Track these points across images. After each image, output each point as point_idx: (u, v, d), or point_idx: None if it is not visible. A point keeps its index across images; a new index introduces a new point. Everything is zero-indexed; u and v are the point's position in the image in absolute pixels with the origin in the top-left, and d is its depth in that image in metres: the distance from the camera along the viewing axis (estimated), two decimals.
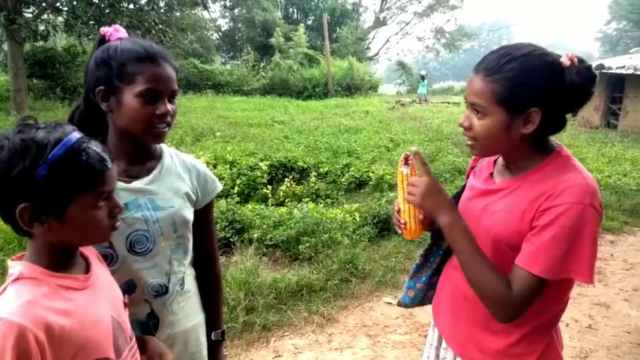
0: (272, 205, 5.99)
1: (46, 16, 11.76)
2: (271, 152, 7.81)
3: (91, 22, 11.96)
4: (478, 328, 1.29)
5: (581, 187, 1.09)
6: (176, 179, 1.34)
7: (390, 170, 7.58)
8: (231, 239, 4.18)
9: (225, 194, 6.03)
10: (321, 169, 7.34)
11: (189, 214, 1.34)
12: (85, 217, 0.93)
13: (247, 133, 10.01)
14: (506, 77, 1.10)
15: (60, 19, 11.70)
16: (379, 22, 32.98)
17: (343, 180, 7.08)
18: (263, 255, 4.06)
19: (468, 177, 1.47)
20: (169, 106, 1.22)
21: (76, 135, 0.92)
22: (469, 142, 1.23)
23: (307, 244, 4.10)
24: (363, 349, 3.07)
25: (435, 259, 1.53)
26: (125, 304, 1.12)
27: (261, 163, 7.09)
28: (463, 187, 1.44)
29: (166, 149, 1.39)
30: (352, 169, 7.36)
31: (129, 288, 1.25)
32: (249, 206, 5.01)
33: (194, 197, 1.37)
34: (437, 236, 1.50)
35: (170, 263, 1.31)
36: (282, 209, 4.96)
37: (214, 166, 6.94)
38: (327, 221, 4.49)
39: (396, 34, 34.73)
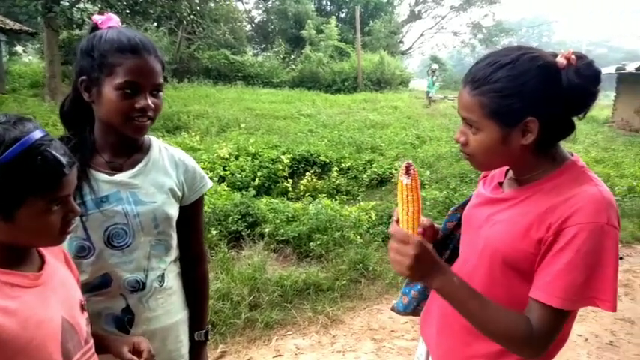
0: (291, 199, 5.95)
1: (81, 4, 12.02)
2: (294, 146, 7.77)
3: (126, 12, 12.18)
4: (458, 343, 1.20)
5: (595, 203, 0.97)
6: (161, 174, 1.30)
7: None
8: (242, 233, 4.15)
9: (244, 187, 6.04)
10: (344, 165, 7.25)
11: (173, 211, 1.31)
12: (36, 221, 0.89)
13: (272, 125, 10.00)
14: (494, 88, 1.01)
15: (95, 7, 11.94)
16: (414, 16, 32.39)
17: (365, 176, 6.98)
18: (273, 251, 4.02)
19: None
20: (150, 100, 1.19)
21: (36, 135, 0.87)
22: (466, 157, 1.13)
23: (318, 242, 4.03)
24: (366, 354, 2.98)
25: None
26: (82, 307, 1.07)
27: (282, 157, 7.06)
28: (470, 198, 1.33)
29: (155, 143, 1.36)
30: (375, 165, 7.24)
31: (105, 282, 1.23)
32: (264, 200, 4.98)
33: (179, 193, 1.33)
34: (438, 246, 1.40)
35: (149, 259, 1.28)
36: (297, 204, 4.90)
37: (236, 158, 6.94)
38: (341, 219, 4.41)
39: (431, 28, 34.05)
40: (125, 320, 1.26)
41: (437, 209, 5.22)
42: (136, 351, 1.11)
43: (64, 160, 0.89)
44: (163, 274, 1.32)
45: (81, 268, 1.20)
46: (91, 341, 1.06)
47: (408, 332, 3.22)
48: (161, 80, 1.22)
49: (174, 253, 1.36)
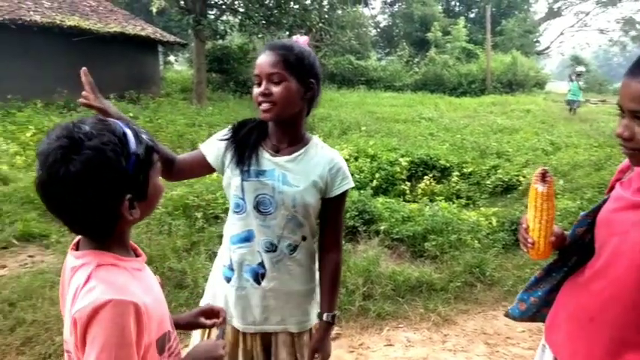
0: (408, 201, 5.97)
1: (224, 17, 13.36)
2: (414, 149, 7.74)
3: (262, 22, 13.25)
4: (604, 354, 1.15)
5: None
6: (311, 166, 1.52)
7: None
8: (358, 228, 4.32)
9: (362, 187, 6.21)
10: (465, 170, 7.03)
11: (310, 198, 1.50)
12: (157, 186, 1.03)
13: (392, 128, 10.07)
14: None
15: (235, 19, 13.17)
16: (552, 13, 29.97)
17: (488, 182, 6.69)
18: (387, 247, 4.12)
19: (610, 190, 1.31)
20: (263, 87, 1.41)
21: (122, 124, 0.97)
22: (628, 152, 1.08)
23: (433, 243, 4.03)
24: (478, 356, 2.94)
25: (557, 275, 1.40)
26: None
27: (401, 159, 7.08)
28: (604, 201, 1.28)
29: (317, 140, 1.59)
30: (500, 171, 6.91)
31: (249, 237, 1.51)
32: (380, 199, 5.09)
33: (322, 186, 1.53)
34: (566, 252, 1.37)
35: (283, 229, 1.51)
36: (414, 205, 4.94)
37: (356, 159, 7.15)
38: (458, 222, 4.35)
39: (572, 26, 31.23)
40: (259, 274, 1.52)
41: (568, 220, 4.84)
42: (210, 316, 1.26)
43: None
44: (297, 246, 1.53)
45: (233, 221, 1.52)
46: None
47: (525, 341, 3.09)
48: (274, 70, 1.39)
49: (306, 231, 1.55)
